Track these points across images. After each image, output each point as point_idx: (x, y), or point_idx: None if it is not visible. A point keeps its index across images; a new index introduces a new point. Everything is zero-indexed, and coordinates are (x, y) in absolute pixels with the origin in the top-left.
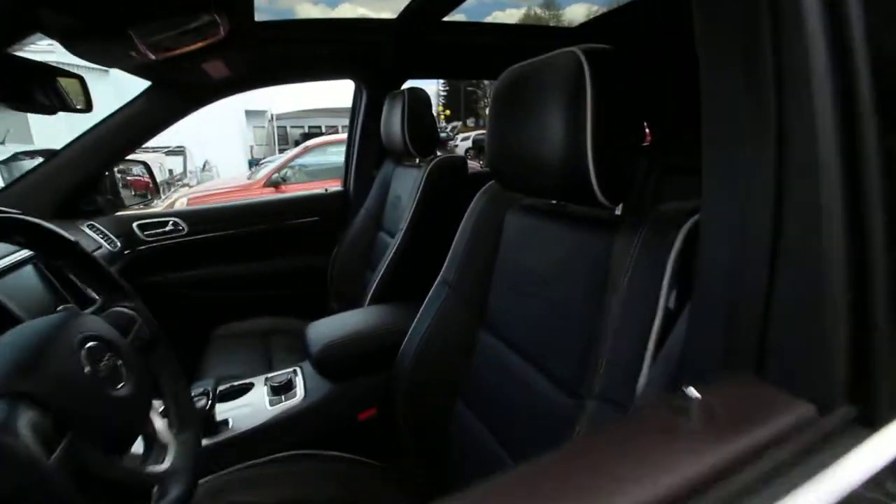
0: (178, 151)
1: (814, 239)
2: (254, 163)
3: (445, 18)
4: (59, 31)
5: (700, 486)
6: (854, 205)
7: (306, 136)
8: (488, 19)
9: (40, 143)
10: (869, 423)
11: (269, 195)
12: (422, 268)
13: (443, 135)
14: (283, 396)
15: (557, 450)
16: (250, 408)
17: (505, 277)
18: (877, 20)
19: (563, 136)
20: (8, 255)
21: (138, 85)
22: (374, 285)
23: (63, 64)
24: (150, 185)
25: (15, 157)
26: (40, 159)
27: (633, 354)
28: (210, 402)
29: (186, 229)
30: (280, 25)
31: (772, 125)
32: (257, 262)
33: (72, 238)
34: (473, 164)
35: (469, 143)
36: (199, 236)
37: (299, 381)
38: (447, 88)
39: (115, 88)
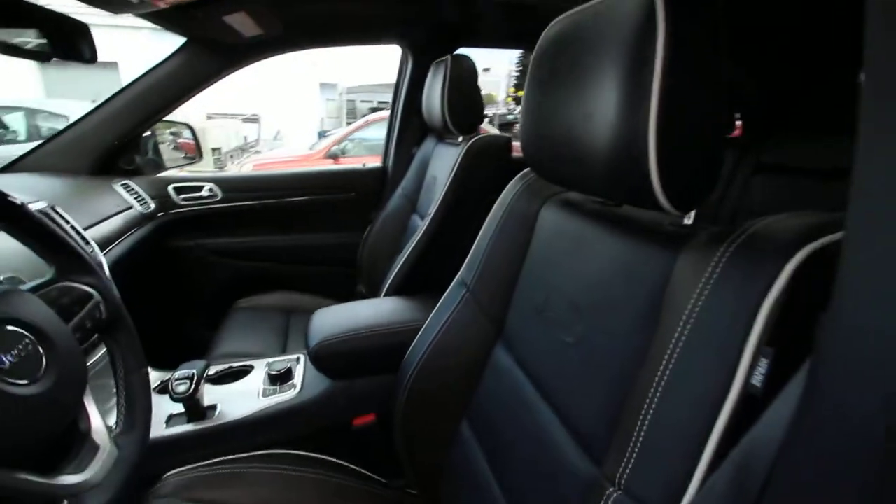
0: (254, 119)
1: None
2: (323, 134)
3: None
4: None
5: None
6: None
7: (374, 111)
8: None
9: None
10: None
11: (305, 167)
12: (447, 260)
13: (510, 117)
14: (278, 387)
15: None
16: (242, 396)
17: (531, 293)
18: None
19: (615, 111)
20: None
21: None
22: (395, 273)
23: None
24: (196, 148)
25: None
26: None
27: (684, 442)
28: (192, 387)
29: (220, 195)
30: None
31: None
32: (287, 234)
33: (17, 200)
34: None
35: None
36: (232, 204)
37: (299, 372)
38: (521, 69)
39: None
